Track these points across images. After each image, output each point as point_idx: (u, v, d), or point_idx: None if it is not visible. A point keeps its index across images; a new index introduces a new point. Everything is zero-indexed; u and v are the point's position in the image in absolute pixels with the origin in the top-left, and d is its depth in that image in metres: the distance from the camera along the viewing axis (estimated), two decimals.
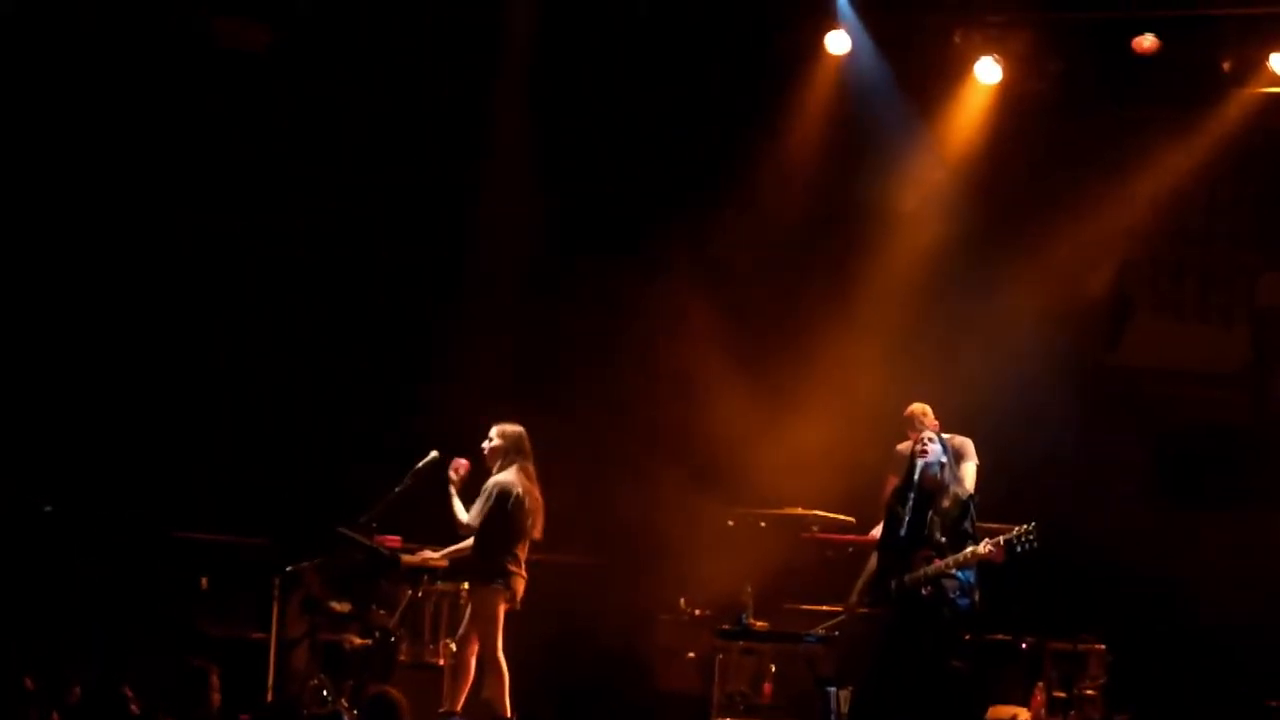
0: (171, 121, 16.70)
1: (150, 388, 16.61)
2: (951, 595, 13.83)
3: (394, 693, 11.28)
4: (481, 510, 14.57)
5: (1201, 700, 15.34)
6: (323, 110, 17.00)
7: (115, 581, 15.06)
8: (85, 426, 16.30)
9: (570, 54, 17.17)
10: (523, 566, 14.63)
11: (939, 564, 13.83)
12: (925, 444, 14.19)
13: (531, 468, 14.64)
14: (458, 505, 14.72)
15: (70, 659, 12.80)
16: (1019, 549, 13.72)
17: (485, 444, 14.68)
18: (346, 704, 13.98)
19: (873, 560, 14.80)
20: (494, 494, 14.55)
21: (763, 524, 15.94)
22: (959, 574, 13.86)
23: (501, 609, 14.58)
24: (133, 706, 10.68)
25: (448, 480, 14.72)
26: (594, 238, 16.90)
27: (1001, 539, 13.76)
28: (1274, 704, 14.64)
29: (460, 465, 14.75)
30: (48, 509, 15.29)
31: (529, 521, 14.57)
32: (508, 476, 14.58)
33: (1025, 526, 13.74)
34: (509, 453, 14.64)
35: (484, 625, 14.58)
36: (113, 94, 16.52)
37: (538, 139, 17.25)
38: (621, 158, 17.05)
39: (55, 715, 11.13)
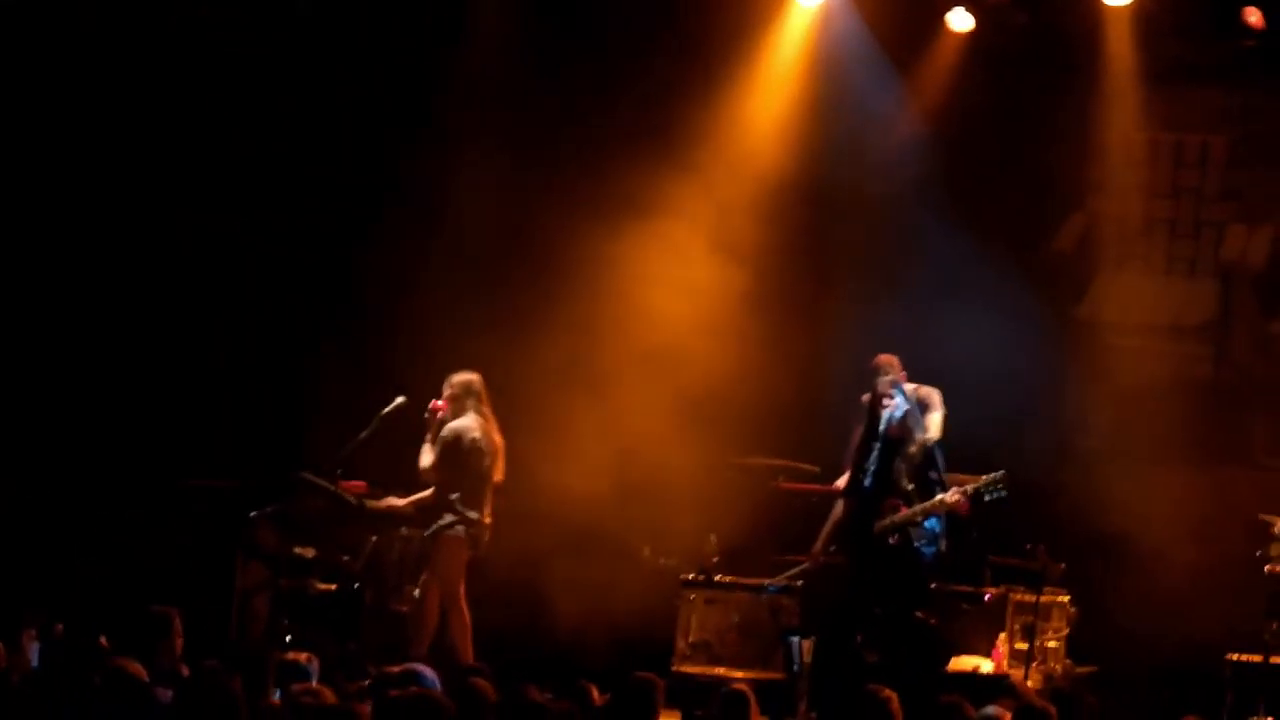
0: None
1: (120, 334, 16.57)
2: (917, 544, 13.87)
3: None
4: (436, 457, 14.58)
5: (1163, 653, 15.39)
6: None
7: (80, 527, 15.05)
8: (56, 376, 16.30)
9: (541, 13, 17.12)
10: (485, 512, 14.64)
11: (906, 512, 13.87)
12: (887, 394, 14.22)
13: (488, 410, 14.68)
14: (426, 448, 14.71)
15: (32, 606, 12.73)
16: (986, 498, 13.80)
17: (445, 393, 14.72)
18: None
19: (838, 508, 14.81)
20: (448, 440, 14.59)
21: (728, 473, 15.92)
22: (925, 523, 13.90)
23: (463, 556, 14.60)
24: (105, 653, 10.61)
25: (425, 422, 14.71)
26: (568, 196, 16.81)
27: (970, 488, 13.83)
28: (1233, 657, 14.67)
29: (438, 406, 14.73)
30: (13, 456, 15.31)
31: (486, 463, 14.59)
32: (463, 422, 14.63)
33: (993, 475, 13.81)
34: (460, 398, 14.69)
35: (445, 572, 14.60)
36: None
37: (514, 107, 17.15)
38: (600, 114, 16.95)
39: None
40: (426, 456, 14.72)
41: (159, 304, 16.70)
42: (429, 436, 14.76)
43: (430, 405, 14.76)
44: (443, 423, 14.69)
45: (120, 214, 16.60)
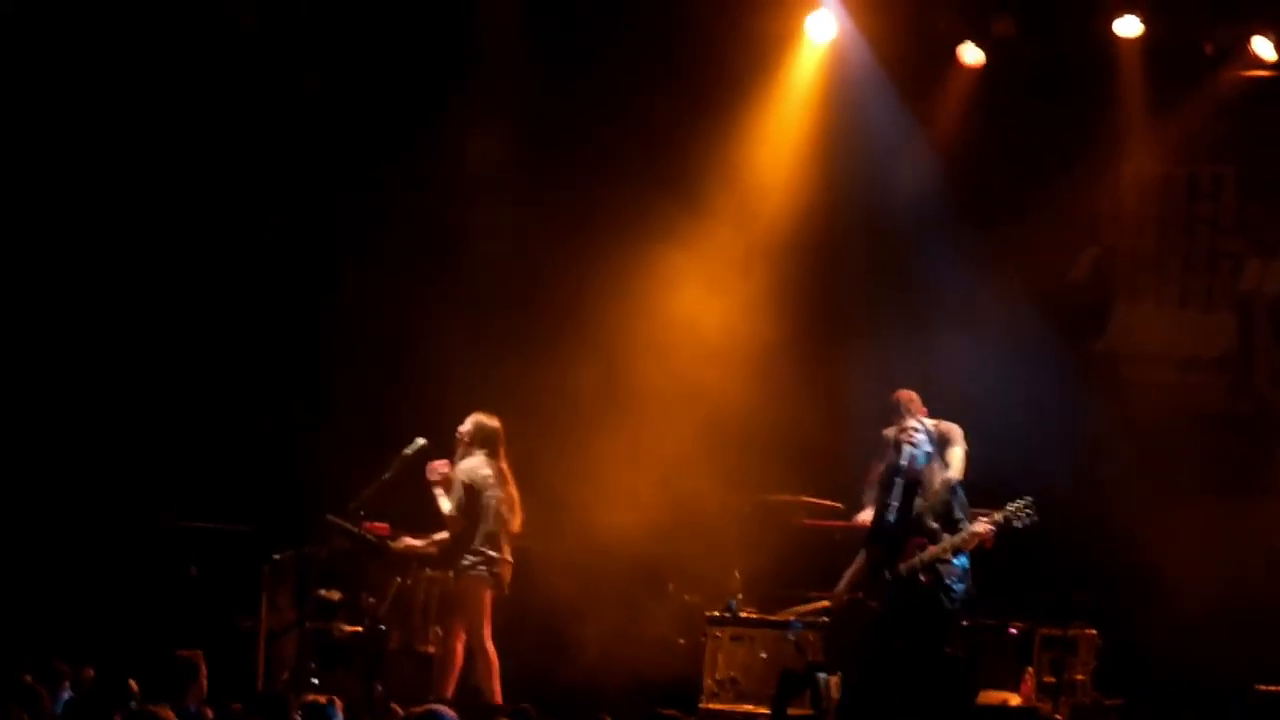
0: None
1: (139, 376, 16.53)
2: (948, 581, 13.73)
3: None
4: (456, 500, 14.56)
5: (1190, 684, 15.33)
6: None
7: (105, 570, 15.01)
8: (75, 414, 16.25)
9: (552, 37, 17.13)
10: (505, 551, 14.62)
11: (934, 549, 13.71)
12: (910, 432, 14.11)
13: (504, 465, 14.64)
14: (442, 501, 14.67)
15: (62, 650, 12.66)
16: (1016, 525, 13.61)
17: (461, 428, 14.69)
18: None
19: (861, 557, 14.55)
20: (465, 483, 14.57)
21: (752, 509, 15.87)
22: (955, 560, 13.77)
23: (487, 596, 14.58)
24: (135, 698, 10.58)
25: (430, 482, 14.67)
26: (588, 232, 16.81)
27: (999, 515, 13.63)
28: (1261, 688, 14.61)
29: (437, 467, 14.68)
30: (36, 497, 15.24)
31: (504, 508, 14.53)
32: (471, 463, 14.62)
33: (1021, 502, 13.62)
34: (473, 443, 14.68)
35: (470, 612, 14.61)
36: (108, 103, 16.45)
37: (537, 144, 17.15)
38: (617, 150, 16.94)
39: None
40: (445, 502, 14.65)
41: (172, 342, 16.65)
42: (438, 491, 14.68)
43: (429, 466, 14.68)
44: (444, 480, 14.63)
45: (134, 248, 16.57)
